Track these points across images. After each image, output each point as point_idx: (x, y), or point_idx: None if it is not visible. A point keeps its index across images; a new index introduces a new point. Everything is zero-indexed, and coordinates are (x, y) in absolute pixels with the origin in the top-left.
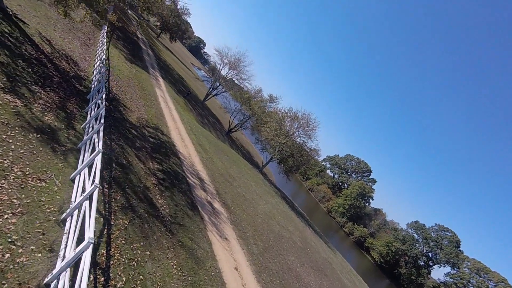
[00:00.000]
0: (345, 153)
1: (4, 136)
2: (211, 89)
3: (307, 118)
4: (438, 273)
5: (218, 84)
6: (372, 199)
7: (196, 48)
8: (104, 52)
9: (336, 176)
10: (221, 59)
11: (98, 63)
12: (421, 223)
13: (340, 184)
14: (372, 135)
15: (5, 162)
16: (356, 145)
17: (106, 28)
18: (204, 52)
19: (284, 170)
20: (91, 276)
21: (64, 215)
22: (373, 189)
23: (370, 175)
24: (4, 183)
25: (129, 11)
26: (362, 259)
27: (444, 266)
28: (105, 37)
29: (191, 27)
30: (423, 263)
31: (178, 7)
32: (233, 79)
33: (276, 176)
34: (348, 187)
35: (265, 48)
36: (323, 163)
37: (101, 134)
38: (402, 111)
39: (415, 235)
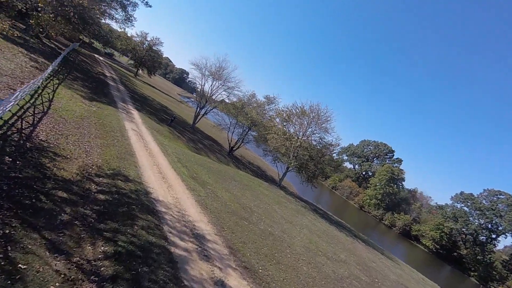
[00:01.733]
0: (359, 140)
1: None
2: (198, 109)
3: (316, 110)
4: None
5: (205, 101)
6: (404, 181)
7: (180, 79)
8: (38, 91)
9: (356, 166)
10: (201, 73)
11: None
12: (468, 193)
13: (364, 174)
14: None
15: None
16: (361, 127)
17: (51, 68)
18: (189, 81)
19: (307, 177)
20: None
21: None
22: (401, 170)
23: (393, 155)
24: None
25: (96, 55)
26: (413, 250)
27: (511, 235)
28: (48, 77)
29: (170, 61)
30: (484, 238)
31: (148, 39)
32: (221, 91)
33: (296, 186)
34: (374, 175)
35: (252, 45)
36: (338, 156)
37: None
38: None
39: (465, 208)
